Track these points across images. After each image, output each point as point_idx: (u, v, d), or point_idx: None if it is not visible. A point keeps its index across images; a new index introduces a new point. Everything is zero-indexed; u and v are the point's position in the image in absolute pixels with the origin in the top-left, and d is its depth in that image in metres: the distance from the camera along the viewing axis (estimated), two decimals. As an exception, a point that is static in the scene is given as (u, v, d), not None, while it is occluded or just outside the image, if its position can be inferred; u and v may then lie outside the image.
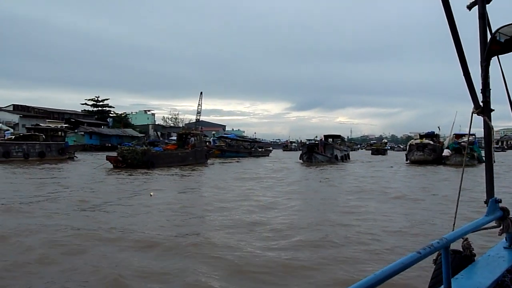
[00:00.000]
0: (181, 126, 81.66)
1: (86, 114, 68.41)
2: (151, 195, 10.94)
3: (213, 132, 58.40)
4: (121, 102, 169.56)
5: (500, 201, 1.96)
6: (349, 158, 35.87)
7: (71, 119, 62.42)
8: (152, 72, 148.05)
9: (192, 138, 28.92)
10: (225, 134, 54.13)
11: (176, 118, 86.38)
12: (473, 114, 2.04)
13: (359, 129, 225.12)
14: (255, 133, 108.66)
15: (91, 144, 49.12)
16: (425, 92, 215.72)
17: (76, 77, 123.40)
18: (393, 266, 1.10)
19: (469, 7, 1.97)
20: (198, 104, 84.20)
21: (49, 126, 35.71)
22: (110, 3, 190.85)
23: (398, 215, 8.55)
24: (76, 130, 50.42)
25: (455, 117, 36.65)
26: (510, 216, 1.96)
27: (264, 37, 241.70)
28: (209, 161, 29.55)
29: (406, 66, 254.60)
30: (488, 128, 2.05)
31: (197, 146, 28.55)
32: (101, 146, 50.61)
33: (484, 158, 2.27)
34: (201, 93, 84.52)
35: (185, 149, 27.32)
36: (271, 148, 48.31)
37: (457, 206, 2.22)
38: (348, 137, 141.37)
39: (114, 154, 22.90)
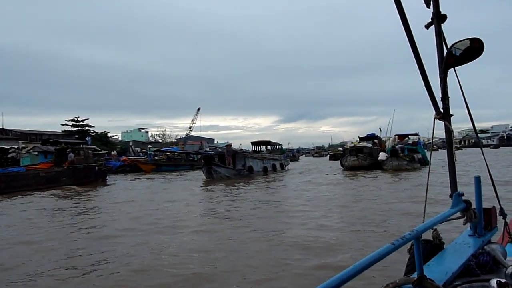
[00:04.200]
0: (169, 141, 79.84)
1: (65, 134, 68.07)
2: None
3: (149, 146, 54.83)
4: (129, 123, 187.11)
5: (463, 195, 2.15)
6: (282, 168, 30.35)
7: (50, 139, 62.19)
8: (155, 95, 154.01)
9: (72, 154, 25.39)
10: (168, 148, 50.64)
11: (163, 135, 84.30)
12: (435, 120, 2.28)
13: (340, 136, 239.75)
14: (241, 144, 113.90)
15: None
16: (398, 101, 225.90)
17: (87, 101, 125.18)
18: (370, 257, 1.17)
19: (427, 26, 2.22)
20: (192, 120, 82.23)
21: None
22: (116, 39, 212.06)
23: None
24: (31, 150, 49.04)
25: (393, 116, 30.78)
26: (472, 207, 2.17)
27: (254, 59, 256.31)
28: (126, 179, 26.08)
29: (380, 79, 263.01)
30: (448, 131, 2.29)
31: (78, 163, 25.11)
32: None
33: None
34: (199, 108, 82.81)
35: (60, 168, 24.07)
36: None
37: (425, 203, 2.43)
38: (329, 144, 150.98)
39: None
